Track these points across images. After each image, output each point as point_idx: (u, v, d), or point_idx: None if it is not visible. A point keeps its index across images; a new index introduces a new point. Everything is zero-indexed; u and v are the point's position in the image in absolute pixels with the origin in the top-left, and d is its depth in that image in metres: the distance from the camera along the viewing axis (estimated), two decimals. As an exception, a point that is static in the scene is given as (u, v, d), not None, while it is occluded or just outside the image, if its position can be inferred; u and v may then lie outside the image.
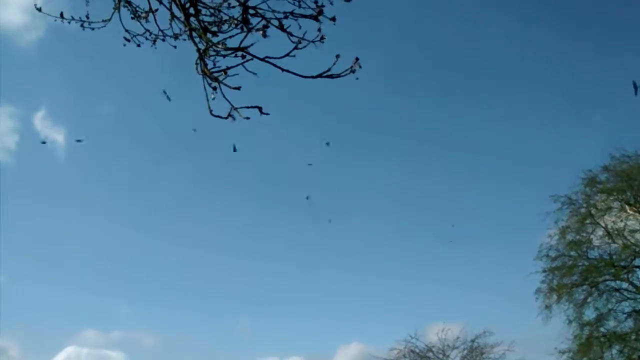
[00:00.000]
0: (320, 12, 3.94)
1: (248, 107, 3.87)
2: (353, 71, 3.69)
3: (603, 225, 26.67)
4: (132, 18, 5.57)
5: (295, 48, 3.73)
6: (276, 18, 4.06)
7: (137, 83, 68.29)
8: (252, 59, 3.82)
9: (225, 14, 4.64)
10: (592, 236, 27.11)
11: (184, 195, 73.15)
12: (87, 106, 70.13)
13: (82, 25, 5.60)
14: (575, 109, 61.57)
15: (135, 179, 74.41)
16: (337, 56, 3.63)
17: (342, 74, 3.68)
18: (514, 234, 61.77)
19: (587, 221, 26.97)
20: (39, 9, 5.53)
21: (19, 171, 67.54)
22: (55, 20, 5.56)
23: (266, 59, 3.79)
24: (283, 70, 3.78)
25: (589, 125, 61.14)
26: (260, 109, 3.84)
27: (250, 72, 3.88)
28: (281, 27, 3.97)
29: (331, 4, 4.05)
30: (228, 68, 3.96)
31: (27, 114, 70.15)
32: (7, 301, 59.70)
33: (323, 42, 3.89)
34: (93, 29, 5.65)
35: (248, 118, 3.83)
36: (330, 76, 3.67)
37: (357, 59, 3.64)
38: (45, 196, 72.26)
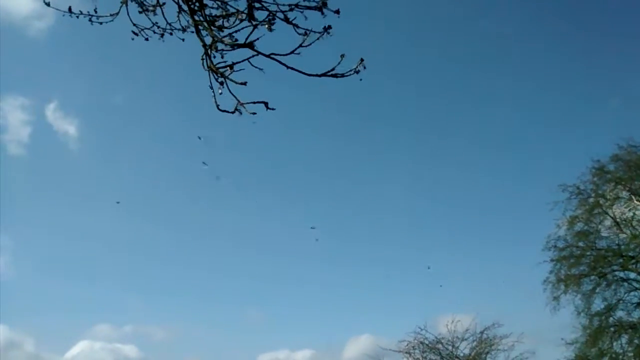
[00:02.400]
0: (324, 4, 3.94)
1: (254, 103, 3.91)
2: (357, 72, 3.71)
3: (611, 215, 26.53)
4: (140, 12, 5.59)
5: (301, 46, 3.75)
6: (281, 11, 4.06)
7: (149, 72, 68.11)
8: (257, 55, 3.85)
9: (231, 6, 4.66)
10: (600, 226, 27.01)
11: (195, 186, 73.44)
12: (99, 96, 70.22)
13: (90, 20, 5.63)
14: (587, 98, 61.19)
15: (146, 171, 74.73)
16: (342, 56, 3.66)
17: (347, 74, 3.70)
18: (524, 225, 61.67)
19: (596, 211, 26.82)
20: (48, 3, 5.56)
21: (33, 164, 67.89)
22: (64, 15, 5.60)
23: (271, 56, 3.81)
24: (288, 67, 3.80)
25: (600, 116, 60.72)
26: (266, 104, 3.88)
27: (256, 67, 3.91)
28: (287, 20, 3.98)
29: None
30: (234, 63, 3.99)
31: (39, 106, 70.28)
32: (22, 296, 60.47)
33: (330, 34, 3.89)
34: (101, 23, 5.67)
35: (254, 113, 3.87)
36: (335, 75, 3.70)
37: (362, 60, 3.66)
38: (59, 189, 72.75)
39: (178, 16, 5.37)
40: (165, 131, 74.28)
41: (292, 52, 3.77)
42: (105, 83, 70.58)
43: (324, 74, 3.73)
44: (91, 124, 72.79)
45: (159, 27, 5.62)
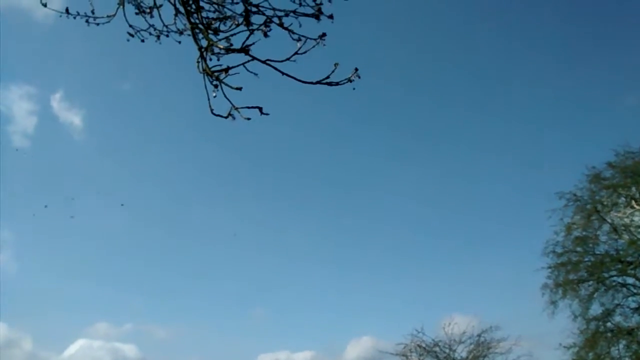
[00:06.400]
0: (320, 10, 3.94)
1: (249, 107, 3.88)
2: (351, 81, 3.70)
3: (609, 221, 26.54)
4: (137, 13, 5.57)
5: (296, 53, 3.73)
6: (277, 16, 4.06)
7: (158, 60, 66.67)
8: (253, 60, 3.82)
9: (228, 9, 4.65)
10: (598, 232, 26.99)
11: (199, 186, 73.01)
12: (105, 85, 68.91)
13: (87, 21, 5.61)
14: (582, 108, 61.31)
15: (151, 168, 74.08)
16: (336, 64, 3.64)
17: (341, 83, 3.69)
18: (524, 231, 61.69)
19: (593, 217, 26.84)
20: (45, 4, 5.53)
21: (37, 156, 66.73)
22: (61, 16, 5.58)
23: (267, 62, 3.79)
24: (283, 74, 3.78)
25: (595, 125, 60.81)
26: (260, 109, 3.85)
27: (251, 72, 3.89)
28: (282, 25, 3.97)
29: (329, 1, 4.04)
30: (229, 68, 3.96)
31: (45, 95, 68.33)
32: (20, 293, 59.93)
33: (324, 41, 3.88)
34: (98, 24, 5.66)
35: (249, 119, 3.85)
36: (330, 83, 3.68)
37: (356, 69, 3.65)
38: (62, 183, 71.71)
39: (175, 19, 5.36)
40: (172, 124, 73.14)
41: (287, 59, 3.75)
42: (113, 71, 69.03)
43: (319, 82, 3.71)
44: (97, 115, 71.18)
45: (155, 29, 5.61)
